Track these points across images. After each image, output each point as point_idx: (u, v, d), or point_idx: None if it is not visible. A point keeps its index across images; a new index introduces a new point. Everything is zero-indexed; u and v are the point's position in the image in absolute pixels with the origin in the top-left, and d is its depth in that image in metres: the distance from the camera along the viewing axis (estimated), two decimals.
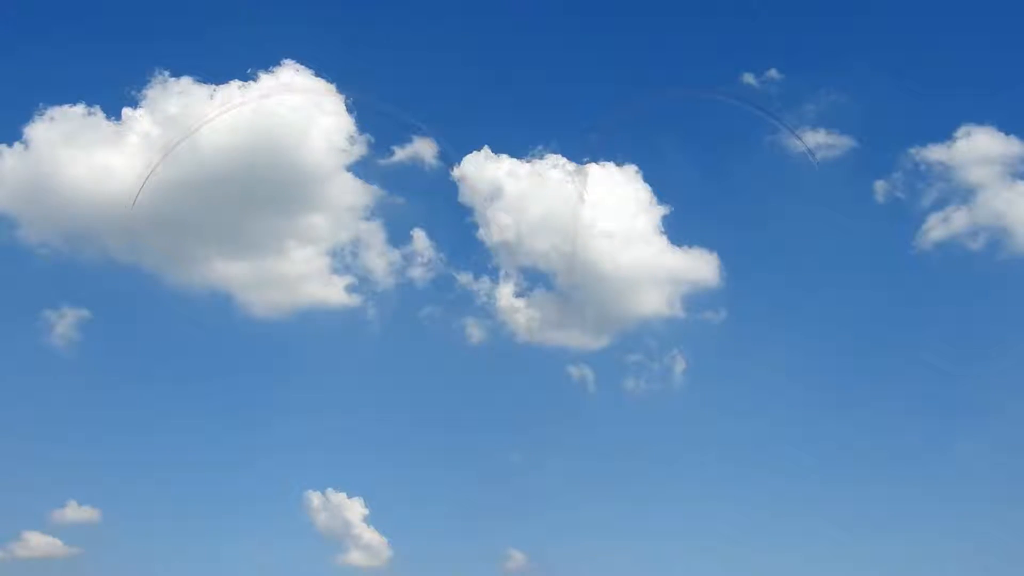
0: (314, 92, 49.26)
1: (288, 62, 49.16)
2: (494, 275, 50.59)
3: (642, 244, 51.15)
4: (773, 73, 53.13)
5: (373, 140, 51.37)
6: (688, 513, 46.97)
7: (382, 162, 52.14)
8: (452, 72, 57.63)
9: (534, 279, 49.61)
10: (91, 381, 49.94)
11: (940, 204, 51.02)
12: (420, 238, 51.63)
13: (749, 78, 53.21)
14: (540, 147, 51.28)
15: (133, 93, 50.29)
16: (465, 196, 50.31)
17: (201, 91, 49.29)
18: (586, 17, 59.17)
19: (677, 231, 50.96)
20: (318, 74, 49.45)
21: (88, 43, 55.67)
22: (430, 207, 53.18)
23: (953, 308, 51.40)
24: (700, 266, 50.75)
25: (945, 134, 51.90)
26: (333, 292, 50.64)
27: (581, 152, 50.82)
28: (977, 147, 51.30)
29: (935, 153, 51.64)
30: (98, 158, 49.01)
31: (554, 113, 57.87)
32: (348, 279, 50.76)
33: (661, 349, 49.81)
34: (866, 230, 52.07)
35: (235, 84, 48.63)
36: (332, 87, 49.76)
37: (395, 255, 51.36)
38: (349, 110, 50.39)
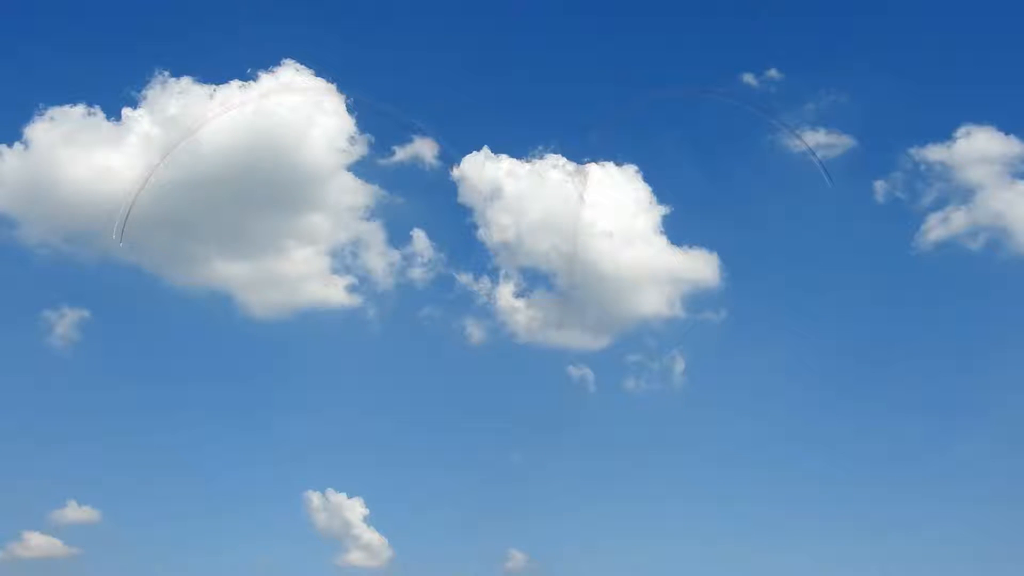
0: (314, 92, 49.26)
1: (288, 62, 49.28)
2: (494, 275, 50.70)
3: (642, 244, 51.27)
4: (773, 73, 53.33)
5: (373, 140, 51.54)
6: (688, 513, 47.10)
7: (382, 162, 52.31)
8: (452, 72, 57.82)
9: (534, 279, 49.80)
10: (91, 381, 50.10)
11: (940, 204, 51.24)
12: (420, 238, 51.77)
13: (749, 78, 53.41)
14: (540, 147, 51.49)
15: (133, 93, 50.45)
16: (465, 196, 50.53)
17: (201, 91, 49.38)
18: (586, 17, 59.39)
19: (677, 231, 51.11)
20: (318, 74, 49.53)
21: (88, 43, 55.98)
22: (430, 207, 53.35)
23: (952, 308, 51.57)
24: (700, 266, 50.85)
25: (945, 134, 52.13)
26: (333, 292, 50.76)
27: (581, 152, 51.03)
28: (977, 147, 51.46)
29: (935, 153, 51.87)
30: (98, 158, 49.06)
31: (554, 113, 58.04)
32: (348, 279, 50.91)
33: (661, 349, 49.95)
34: (866, 230, 52.15)
35: (235, 84, 48.71)
36: (332, 87, 49.80)
37: (395, 255, 51.50)
38: (349, 110, 50.51)
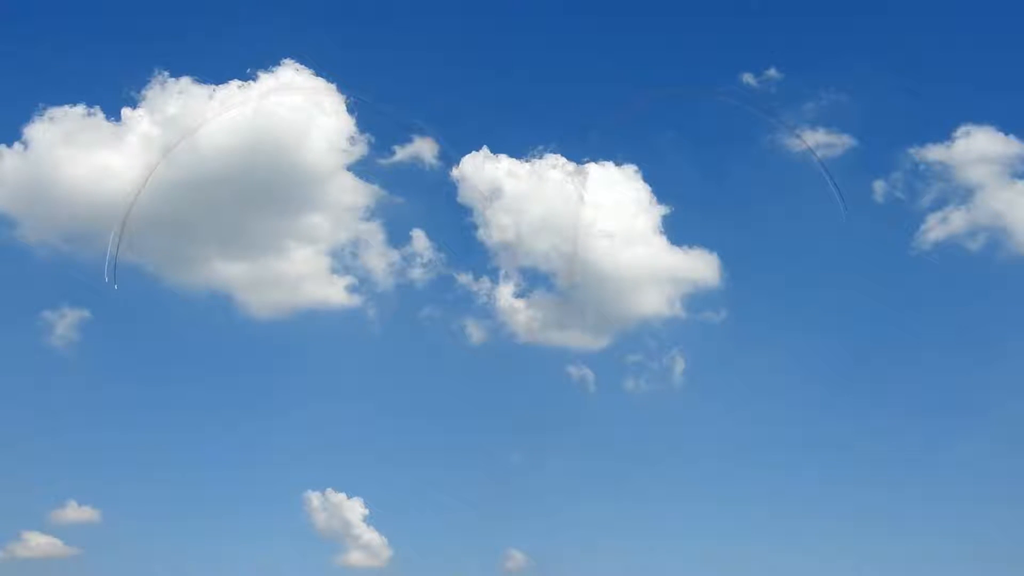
0: (314, 92, 49.31)
1: (288, 62, 49.18)
2: (494, 275, 50.59)
3: (642, 244, 51.19)
4: (772, 72, 53.13)
5: (373, 140, 51.42)
6: (688, 513, 47.04)
7: (382, 162, 52.22)
8: (451, 72, 57.57)
9: (534, 279, 49.66)
10: (91, 381, 49.98)
11: (939, 204, 51.08)
12: (420, 238, 51.69)
13: (748, 77, 53.22)
14: (539, 147, 51.18)
15: (133, 93, 50.29)
16: (464, 196, 50.46)
17: (200, 91, 49.28)
18: (585, 17, 59.12)
19: (677, 231, 51.00)
20: (318, 74, 49.49)
21: (87, 43, 55.69)
22: (429, 207, 53.21)
23: (952, 308, 51.47)
24: (700, 266, 50.78)
25: (944, 134, 51.94)
26: (333, 292, 50.72)
27: (580, 152, 50.76)
28: (976, 147, 51.26)
29: (934, 153, 51.68)
30: (98, 158, 49.02)
31: (553, 113, 57.81)
32: (348, 279, 50.87)
33: (661, 349, 49.94)
34: (865, 230, 52.09)
35: (235, 84, 48.69)
36: (332, 87, 49.79)
37: (395, 255, 51.45)
38: (349, 110, 50.41)
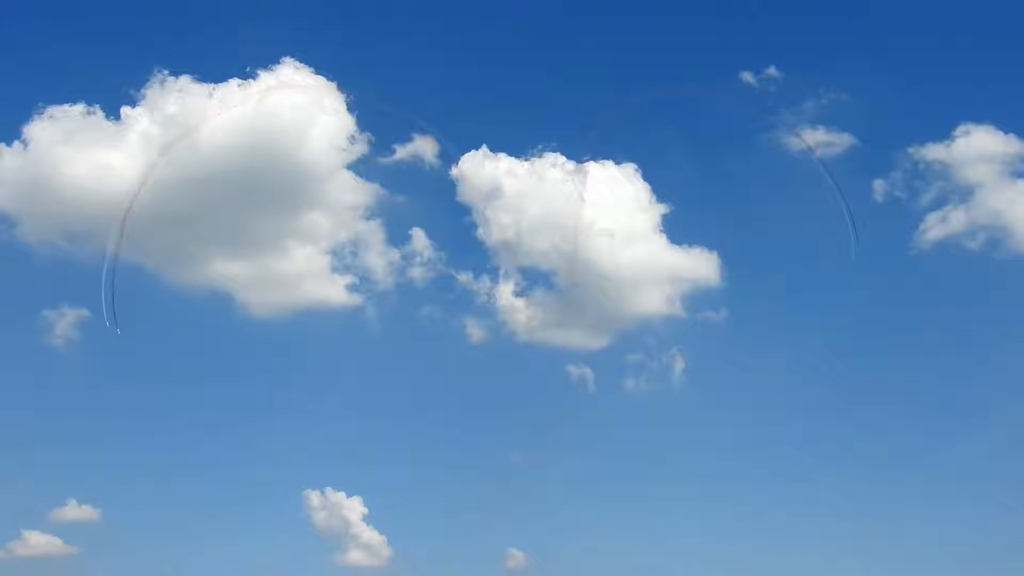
0: (314, 90, 49.32)
1: (287, 60, 49.20)
2: (494, 274, 50.63)
3: (642, 243, 51.18)
4: (772, 71, 53.18)
5: (373, 139, 51.42)
6: (688, 512, 47.08)
7: (382, 161, 52.23)
8: (450, 71, 57.49)
9: (534, 278, 49.70)
10: (91, 381, 49.98)
11: (939, 203, 51.12)
12: (419, 237, 51.72)
13: (748, 76, 53.27)
14: (539, 146, 51.32)
15: (132, 92, 50.28)
16: (464, 195, 50.48)
17: (200, 90, 49.20)
18: (584, 15, 59.16)
19: (677, 230, 51.05)
20: (318, 72, 49.54)
21: (87, 42, 55.56)
22: (429, 206, 53.29)
23: (951, 308, 51.49)
24: (700, 265, 50.80)
25: (944, 133, 52.02)
26: (334, 291, 50.72)
27: (580, 151, 50.90)
28: (976, 146, 51.33)
29: (934, 152, 51.75)
30: (98, 157, 48.91)
31: (552, 111, 57.52)
32: (348, 278, 50.88)
33: (661, 348, 49.96)
34: (865, 229, 51.84)
35: (234, 83, 48.60)
36: (332, 85, 49.79)
37: (395, 254, 51.45)
38: (350, 109, 50.36)
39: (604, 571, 45.11)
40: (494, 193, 49.87)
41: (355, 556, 46.15)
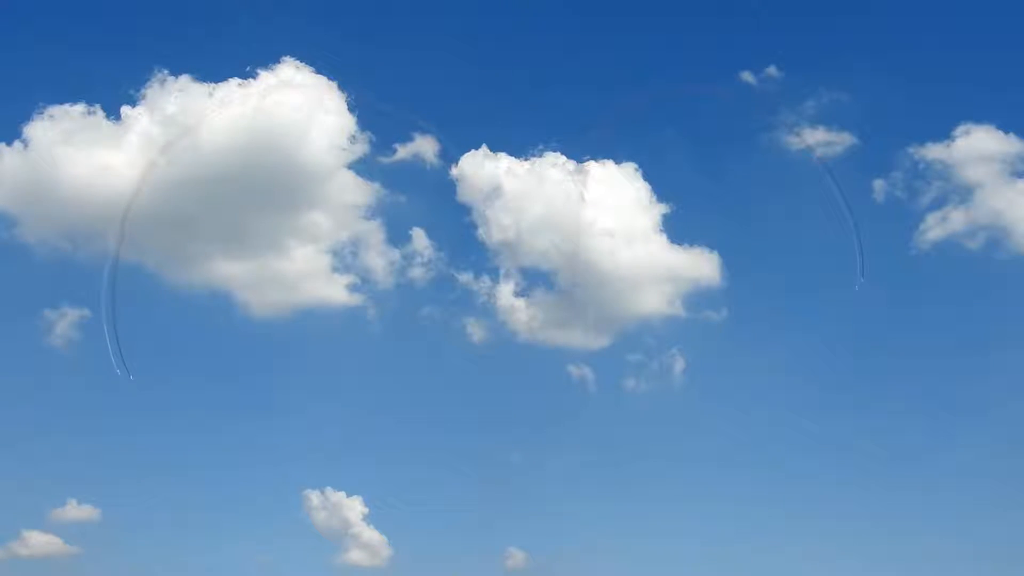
0: (314, 90, 49.32)
1: (288, 59, 49.17)
2: (494, 274, 50.56)
3: (642, 243, 51.09)
4: (772, 71, 53.12)
5: (374, 138, 51.37)
6: (688, 512, 47.04)
7: (383, 160, 52.18)
8: (450, 70, 57.36)
9: (534, 278, 49.63)
10: (91, 380, 49.83)
11: (938, 203, 51.02)
12: (420, 237, 51.67)
13: (748, 76, 53.21)
14: (539, 146, 51.24)
15: (132, 92, 50.16)
16: (464, 195, 50.44)
17: (200, 89, 49.11)
18: (585, 15, 59.12)
19: (677, 230, 50.95)
20: (318, 71, 49.54)
21: (87, 42, 55.50)
22: (429, 206, 53.23)
23: (951, 308, 51.47)
24: (701, 265, 50.75)
25: (944, 132, 51.89)
26: (335, 291, 50.66)
27: (580, 150, 50.71)
28: (976, 146, 51.19)
29: (934, 152, 51.64)
30: (98, 157, 48.81)
31: (552, 111, 57.50)
32: (349, 278, 50.83)
33: (661, 348, 49.96)
34: (865, 229, 51.91)
35: (234, 82, 48.57)
36: (333, 85, 49.79)
37: (395, 254, 51.42)
38: (350, 108, 50.32)
39: (604, 570, 45.27)
40: (494, 193, 49.89)
41: (355, 556, 46.24)
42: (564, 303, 48.76)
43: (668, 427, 49.72)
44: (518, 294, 49.81)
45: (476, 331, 50.37)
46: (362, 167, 51.07)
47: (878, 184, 51.80)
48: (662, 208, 51.11)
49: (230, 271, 50.65)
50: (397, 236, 51.52)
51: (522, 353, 49.49)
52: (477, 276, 50.65)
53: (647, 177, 51.19)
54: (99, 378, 50.16)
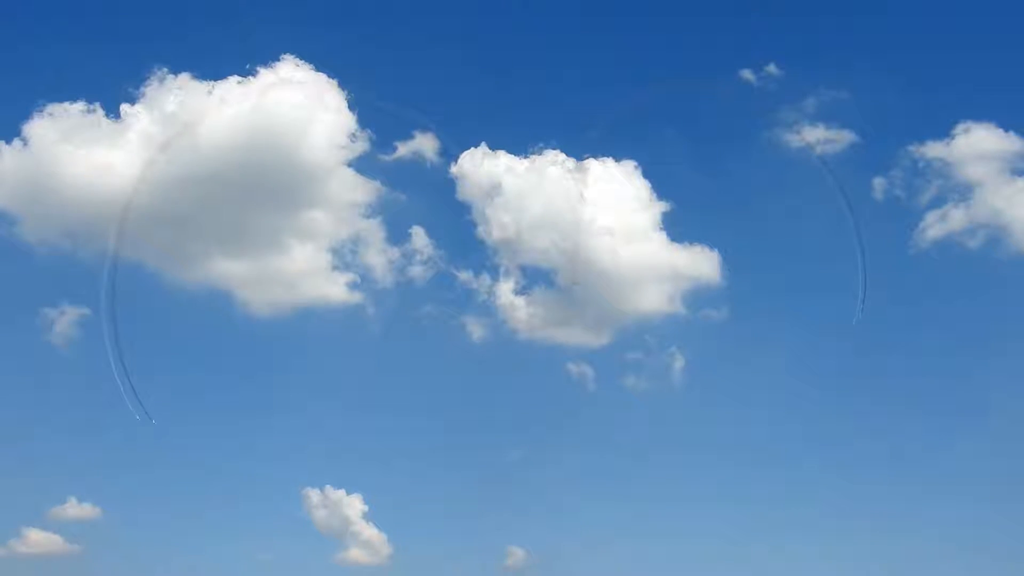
0: (314, 87, 49.26)
1: (288, 57, 49.09)
2: (494, 273, 50.59)
3: (642, 241, 51.11)
4: (772, 68, 53.01)
5: (374, 136, 51.29)
6: (688, 511, 47.11)
7: (383, 158, 52.11)
8: (449, 68, 57.23)
9: (534, 276, 49.67)
10: (91, 379, 49.71)
11: (938, 202, 51.00)
12: (419, 235, 51.65)
13: (748, 74, 53.13)
14: (539, 143, 51.10)
15: (132, 90, 50.17)
16: (463, 193, 50.40)
17: (200, 87, 49.09)
18: (584, 13, 59.01)
19: (677, 228, 50.97)
20: (318, 69, 49.44)
21: (87, 40, 55.41)
22: (429, 204, 53.18)
23: (951, 307, 51.40)
24: (701, 263, 50.80)
25: (944, 131, 51.86)
26: (334, 290, 50.68)
27: (580, 148, 50.57)
28: (976, 144, 51.19)
29: (934, 150, 51.60)
30: (97, 155, 48.79)
31: (552, 109, 57.36)
32: (349, 276, 50.81)
33: (661, 347, 49.94)
34: (865, 228, 51.92)
35: (234, 80, 48.52)
36: (333, 82, 49.68)
37: (395, 253, 51.39)
38: (350, 106, 50.22)
39: (603, 568, 45.26)
40: (494, 191, 49.86)
41: (355, 554, 46.31)
42: (564, 301, 48.83)
43: (668, 425, 49.87)
44: (518, 292, 49.95)
45: (476, 329, 50.52)
46: (362, 165, 51.13)
47: (878, 182, 51.92)
48: (662, 206, 51.28)
49: (230, 269, 50.76)
50: (397, 234, 51.65)
51: (522, 351, 49.67)
52: (477, 274, 50.77)
53: (647, 175, 51.35)
54: (99, 376, 50.25)
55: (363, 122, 50.45)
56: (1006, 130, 51.03)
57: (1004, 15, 55.55)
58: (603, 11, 58.43)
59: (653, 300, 50.66)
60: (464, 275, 50.85)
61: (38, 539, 44.85)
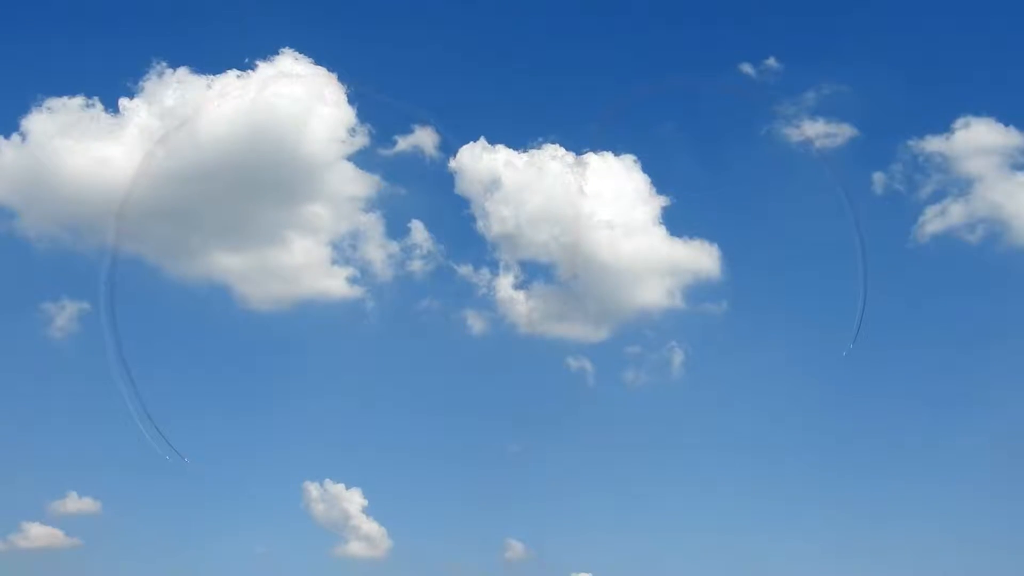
0: (314, 81, 49.15)
1: (287, 51, 49.01)
2: (493, 267, 50.64)
3: (642, 235, 51.10)
4: (772, 62, 53.13)
5: (374, 130, 51.30)
6: (686, 505, 47.26)
7: (383, 152, 52.16)
8: (448, 62, 57.42)
9: (533, 271, 49.70)
10: (90, 373, 49.74)
11: (938, 196, 51.08)
12: (419, 229, 51.68)
13: (747, 68, 53.21)
14: (538, 138, 51.10)
15: (130, 84, 50.20)
16: (463, 187, 50.37)
17: (199, 81, 49.09)
18: (584, 7, 59.15)
19: (677, 222, 51.02)
20: (317, 63, 49.38)
21: (86, 34, 55.67)
22: (429, 198, 53.21)
23: (950, 301, 51.42)
24: (700, 257, 50.86)
25: (944, 125, 51.89)
26: (334, 284, 50.75)
27: (579, 142, 50.59)
28: (975, 138, 51.23)
29: (933, 144, 51.69)
30: (96, 149, 48.77)
31: (551, 103, 57.53)
32: (349, 270, 50.87)
33: (661, 341, 49.98)
34: (864, 222, 51.92)
35: (233, 74, 48.37)
36: (332, 76, 49.60)
37: (394, 247, 51.42)
38: (350, 100, 50.20)
39: (602, 562, 45.22)
40: (493, 185, 49.84)
41: (355, 547, 46.41)
42: (563, 295, 48.83)
43: (667, 420, 49.88)
44: (517, 286, 49.97)
45: (475, 323, 50.56)
46: (361, 159, 51.17)
47: (877, 176, 52.00)
48: (661, 200, 51.30)
49: (229, 263, 50.75)
50: (396, 228, 51.72)
51: (521, 345, 49.67)
52: (476, 268, 50.84)
53: (646, 169, 51.38)
54: (98, 370, 50.21)
55: (362, 116, 50.59)
56: (1006, 125, 51.23)
57: (1003, 10, 55.78)
58: (602, 5, 58.72)
59: (653, 294, 50.80)
60: (464, 269, 51.01)
61: (38, 533, 45.05)
